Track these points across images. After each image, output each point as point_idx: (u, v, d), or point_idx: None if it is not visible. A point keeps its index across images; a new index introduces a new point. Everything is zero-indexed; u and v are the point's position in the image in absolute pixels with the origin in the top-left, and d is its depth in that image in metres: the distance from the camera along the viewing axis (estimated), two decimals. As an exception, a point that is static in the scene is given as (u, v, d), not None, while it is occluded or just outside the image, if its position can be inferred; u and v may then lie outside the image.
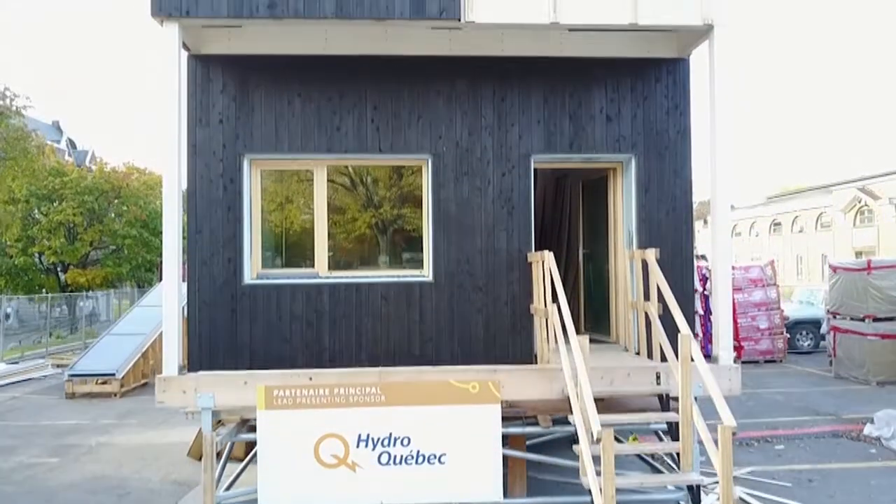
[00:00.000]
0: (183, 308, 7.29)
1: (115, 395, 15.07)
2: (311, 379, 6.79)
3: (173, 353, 6.91)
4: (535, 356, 7.65)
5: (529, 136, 7.90)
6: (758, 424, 10.82)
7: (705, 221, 47.76)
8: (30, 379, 17.37)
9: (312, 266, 7.93)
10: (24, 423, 12.44)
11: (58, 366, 19.14)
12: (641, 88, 7.99)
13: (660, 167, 7.97)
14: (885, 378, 14.28)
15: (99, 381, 15.17)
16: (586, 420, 5.68)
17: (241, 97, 7.71)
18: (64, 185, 28.60)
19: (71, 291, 30.31)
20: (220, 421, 6.97)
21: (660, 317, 6.88)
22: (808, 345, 19.68)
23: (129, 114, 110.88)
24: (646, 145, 7.97)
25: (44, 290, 30.56)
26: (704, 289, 19.63)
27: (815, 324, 19.61)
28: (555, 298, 6.70)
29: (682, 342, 5.99)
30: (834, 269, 15.74)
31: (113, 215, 30.32)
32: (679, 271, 7.85)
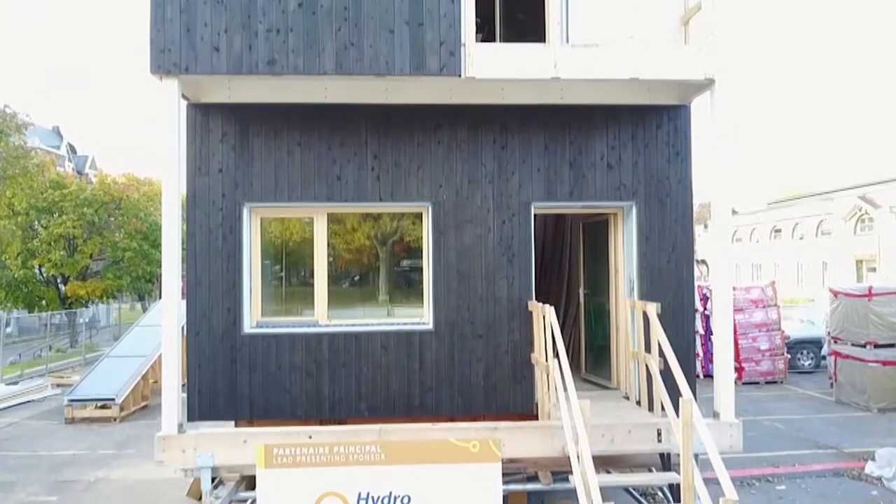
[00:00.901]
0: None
1: (115, 419, 15.03)
2: (310, 437, 6.75)
3: (172, 411, 6.87)
4: (537, 405, 7.63)
5: (530, 184, 7.86)
6: (759, 460, 10.78)
7: (705, 226, 47.77)
8: (30, 401, 17.32)
9: (312, 312, 7.91)
10: (22, 454, 12.40)
11: (58, 385, 19.10)
12: (642, 135, 7.96)
13: (661, 215, 7.94)
14: (887, 405, 14.24)
15: (98, 406, 15.13)
16: (587, 486, 5.65)
17: (240, 146, 7.67)
18: (64, 197, 28.56)
19: (71, 303, 30.31)
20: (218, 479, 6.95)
21: (661, 372, 6.85)
22: (809, 364, 19.64)
23: (129, 116, 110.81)
24: (647, 193, 7.94)
25: (43, 302, 30.58)
26: (705, 308, 19.65)
27: (815, 343, 19.56)
28: (556, 353, 6.67)
29: (684, 407, 5.96)
30: (835, 293, 15.70)
31: (113, 227, 30.25)
32: (680, 321, 7.83)
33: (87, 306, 32.33)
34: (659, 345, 6.80)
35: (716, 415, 7.12)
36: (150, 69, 6.57)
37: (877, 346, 14.37)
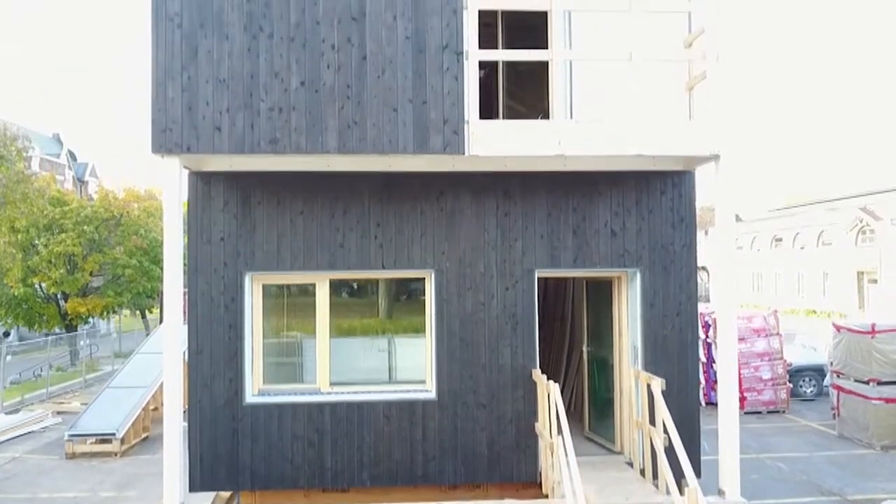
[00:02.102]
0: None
1: (116, 454, 14.99)
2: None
3: (174, 483, 6.82)
4: (540, 474, 7.60)
5: (533, 251, 7.82)
6: (762, 510, 10.73)
7: (706, 232, 47.71)
8: (30, 433, 17.28)
9: (314, 379, 7.87)
10: (22, 497, 12.36)
11: (58, 412, 19.06)
12: (646, 201, 7.92)
13: (665, 282, 7.90)
14: (890, 443, 14.18)
15: (99, 441, 15.09)
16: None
17: (242, 214, 7.64)
18: (64, 214, 28.50)
19: (71, 319, 30.28)
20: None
21: (665, 449, 6.80)
22: (811, 391, 19.59)
23: (129, 118, 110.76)
24: (651, 259, 7.90)
25: (44, 318, 30.55)
26: (707, 336, 19.62)
27: (818, 371, 19.51)
28: (560, 430, 6.63)
29: (689, 497, 5.92)
30: (838, 328, 15.66)
31: (113, 244, 30.21)
32: (684, 390, 7.80)
33: (87, 322, 32.31)
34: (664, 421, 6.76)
35: (721, 492, 7.07)
36: (151, 148, 6.53)
37: (880, 383, 14.32)
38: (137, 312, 41.28)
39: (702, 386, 19.05)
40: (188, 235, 7.53)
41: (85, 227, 28.49)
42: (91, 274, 29.82)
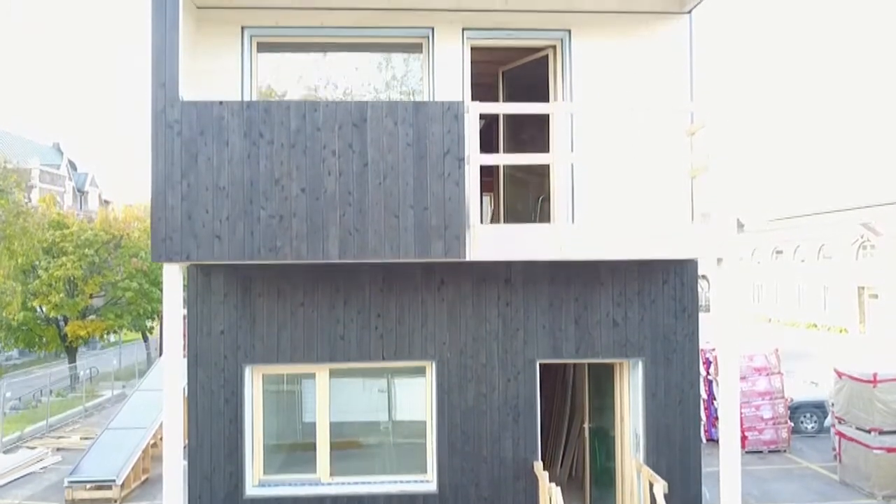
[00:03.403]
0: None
1: (116, 501, 14.95)
2: None
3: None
4: (542, 568, 7.56)
5: (535, 341, 7.79)
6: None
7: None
8: (30, 473, 17.24)
9: (314, 468, 7.83)
10: (23, 553, 12.33)
11: (58, 449, 19.03)
12: (649, 291, 7.88)
13: (667, 372, 7.86)
14: (892, 492, 14.13)
15: (98, 486, 15.05)
16: None
17: (242, 306, 7.60)
18: (64, 237, 28.50)
19: (71, 342, 30.27)
20: None
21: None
22: (812, 427, 19.55)
23: (129, 121, 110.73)
24: (653, 349, 7.86)
25: (44, 340, 30.53)
26: (708, 373, 19.58)
27: (819, 407, 19.47)
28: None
29: None
30: (839, 374, 15.61)
31: (113, 265, 30.18)
32: (686, 482, 7.75)
33: (86, 344, 32.30)
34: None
35: None
36: (152, 257, 6.49)
37: (882, 432, 14.28)
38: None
39: (703, 423, 19.07)
40: (188, 327, 7.49)
41: (86, 251, 28.48)
42: (91, 296, 29.81)
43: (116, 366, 32.39)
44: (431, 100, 7.80)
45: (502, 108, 7.23)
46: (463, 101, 6.61)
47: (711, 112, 6.70)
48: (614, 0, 7.74)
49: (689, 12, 7.91)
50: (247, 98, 7.69)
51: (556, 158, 6.66)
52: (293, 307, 7.62)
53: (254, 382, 7.73)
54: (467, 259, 6.64)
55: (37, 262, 28.27)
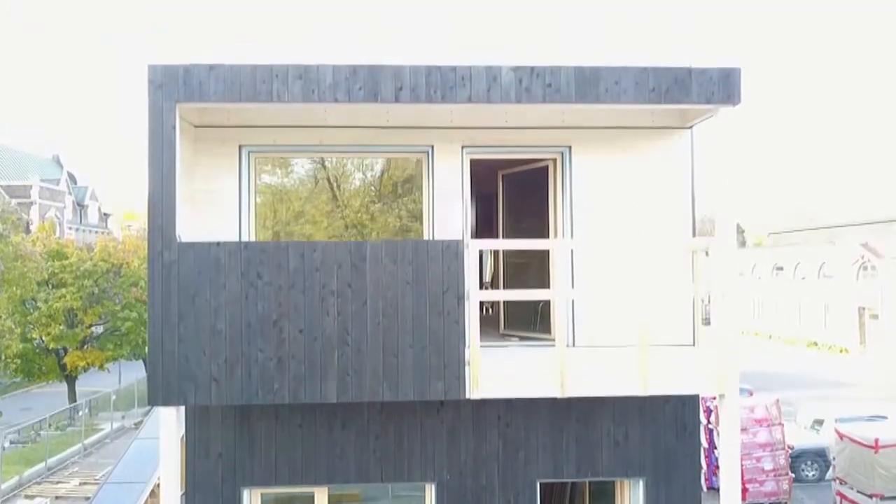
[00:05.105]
0: None
1: (114, 562, 14.91)
2: None
3: None
4: None
5: (536, 461, 7.72)
6: None
7: (706, 253, 47.63)
8: (28, 529, 17.24)
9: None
10: None
11: (57, 497, 19.01)
12: (650, 410, 7.80)
13: (668, 492, 7.79)
14: (893, 558, 14.14)
15: (98, 548, 15.02)
16: None
17: (240, 429, 7.53)
18: (63, 268, 28.46)
19: (70, 372, 30.24)
20: None
21: None
22: (813, 475, 19.52)
23: (132, 142, 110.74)
24: (655, 469, 7.79)
25: (43, 369, 30.51)
26: (709, 421, 19.53)
27: (820, 454, 19.42)
28: None
29: None
30: (841, 436, 15.58)
31: (112, 295, 30.15)
32: None
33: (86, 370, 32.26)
34: None
35: None
36: (148, 401, 6.43)
37: (883, 498, 14.25)
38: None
39: (703, 471, 19.02)
40: (186, 451, 7.43)
41: (85, 282, 28.45)
42: (90, 326, 29.79)
43: (116, 384, 32.25)
44: (430, 214, 7.75)
45: (501, 244, 7.20)
46: (462, 240, 6.57)
47: (713, 242, 6.67)
48: (615, 116, 7.69)
49: (691, 127, 7.86)
50: (246, 216, 7.63)
51: (557, 294, 6.60)
52: (291, 428, 7.55)
53: (251, 502, 7.67)
54: (468, 397, 6.59)
55: (35, 295, 28.25)
